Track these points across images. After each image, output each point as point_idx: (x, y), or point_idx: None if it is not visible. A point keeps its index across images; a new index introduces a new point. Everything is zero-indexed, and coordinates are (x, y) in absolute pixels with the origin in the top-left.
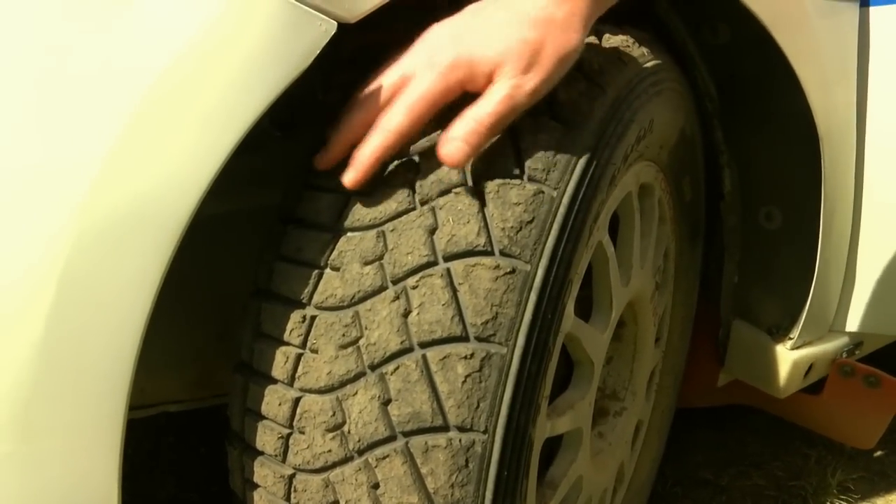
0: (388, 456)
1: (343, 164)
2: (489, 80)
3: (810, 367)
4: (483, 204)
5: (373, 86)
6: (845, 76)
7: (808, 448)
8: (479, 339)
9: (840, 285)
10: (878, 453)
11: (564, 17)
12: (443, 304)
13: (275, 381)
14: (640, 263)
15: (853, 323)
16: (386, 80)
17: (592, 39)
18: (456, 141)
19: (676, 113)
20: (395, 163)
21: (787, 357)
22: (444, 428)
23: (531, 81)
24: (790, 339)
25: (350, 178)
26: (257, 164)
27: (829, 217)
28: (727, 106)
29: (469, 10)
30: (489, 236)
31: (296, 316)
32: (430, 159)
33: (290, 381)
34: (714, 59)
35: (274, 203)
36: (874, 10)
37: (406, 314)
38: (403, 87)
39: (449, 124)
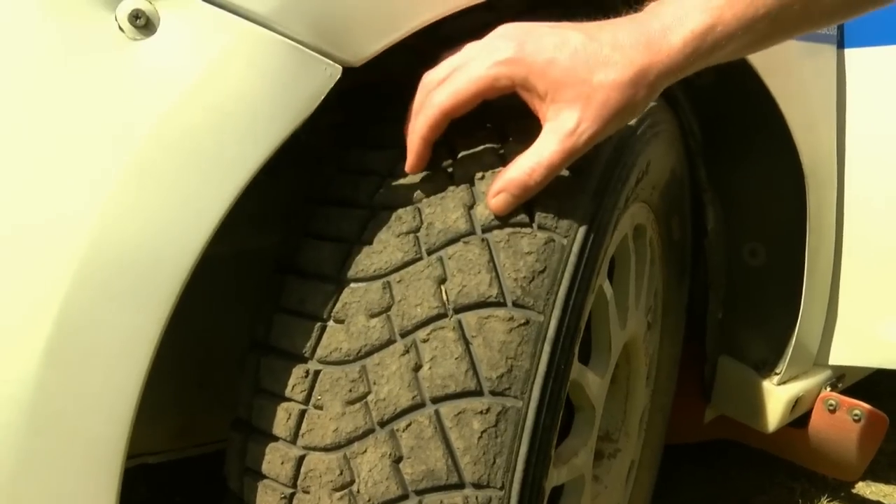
0: None
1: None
2: (542, 98)
3: (796, 402)
4: (493, 254)
5: (429, 74)
6: (827, 114)
7: (793, 481)
8: (494, 393)
9: (823, 320)
10: (860, 484)
11: (637, 72)
12: (456, 358)
13: (276, 439)
14: (635, 304)
15: (836, 356)
16: (443, 66)
17: None
18: (504, 194)
19: (669, 154)
20: (399, 211)
21: (774, 392)
22: (460, 485)
23: (590, 129)
24: (776, 374)
25: (407, 164)
26: (236, 207)
27: (814, 252)
28: (710, 144)
29: (548, 24)
30: (501, 287)
31: (298, 371)
32: (434, 207)
33: (294, 439)
34: (697, 98)
35: (255, 247)
36: (849, 52)
37: (417, 368)
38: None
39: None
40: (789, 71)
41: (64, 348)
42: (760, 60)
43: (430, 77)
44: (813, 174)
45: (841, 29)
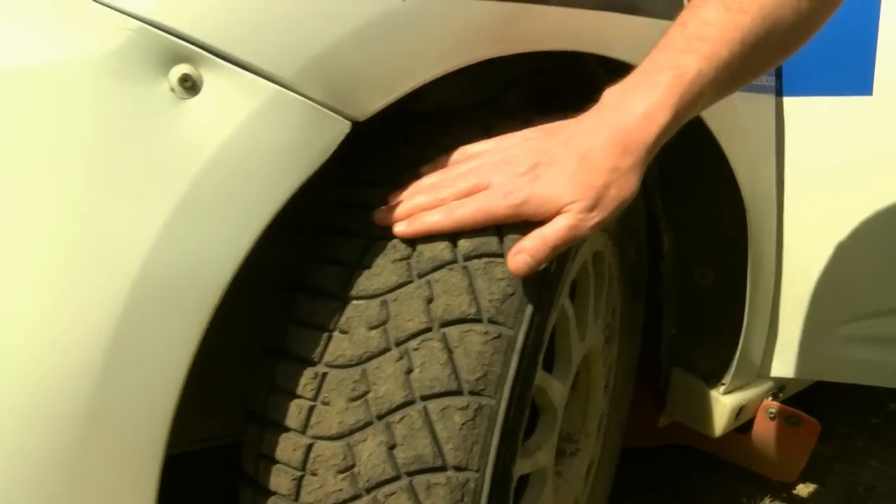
0: (394, 493)
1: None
2: (557, 213)
3: (741, 410)
4: (472, 279)
5: (447, 177)
6: (766, 153)
7: (741, 483)
8: (472, 392)
9: (765, 336)
10: (800, 485)
11: (628, 167)
12: (441, 364)
13: (289, 430)
14: (593, 321)
15: (777, 369)
16: (462, 181)
17: None
18: (523, 254)
19: None
20: (394, 240)
21: (721, 401)
22: (444, 468)
23: (594, 219)
24: (723, 384)
25: (402, 229)
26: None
27: (755, 275)
28: (665, 177)
29: (546, 142)
30: (478, 307)
31: (308, 373)
32: (425, 240)
33: (304, 430)
34: None
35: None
36: (787, 100)
37: (409, 372)
38: (477, 191)
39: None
40: (730, 116)
41: (121, 352)
42: None
43: (443, 186)
44: (753, 205)
45: (780, 80)
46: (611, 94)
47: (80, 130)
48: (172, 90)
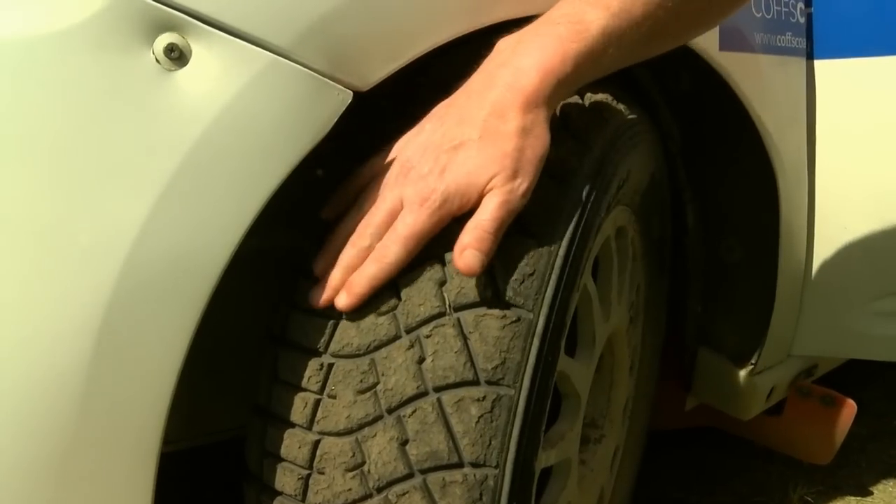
0: (407, 492)
1: None
2: (482, 195)
3: (772, 390)
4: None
5: (360, 220)
6: (797, 120)
7: (769, 465)
8: (489, 382)
9: (796, 313)
10: (833, 467)
11: (532, 124)
12: (455, 351)
13: (294, 426)
14: (617, 300)
15: (809, 347)
16: (374, 216)
17: (577, 99)
18: (469, 249)
19: (648, 160)
20: None
21: (750, 381)
22: (460, 464)
23: (522, 186)
24: (752, 364)
25: (345, 302)
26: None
27: (786, 249)
28: (689, 146)
29: (437, 132)
30: (495, 288)
31: (313, 364)
32: None
33: (310, 425)
34: (677, 103)
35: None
36: (818, 63)
37: (420, 361)
38: (394, 220)
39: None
40: (759, 80)
41: (111, 342)
42: (731, 69)
43: (362, 235)
44: (784, 174)
45: (810, 42)
46: (502, 46)
47: (55, 108)
48: (158, 61)
